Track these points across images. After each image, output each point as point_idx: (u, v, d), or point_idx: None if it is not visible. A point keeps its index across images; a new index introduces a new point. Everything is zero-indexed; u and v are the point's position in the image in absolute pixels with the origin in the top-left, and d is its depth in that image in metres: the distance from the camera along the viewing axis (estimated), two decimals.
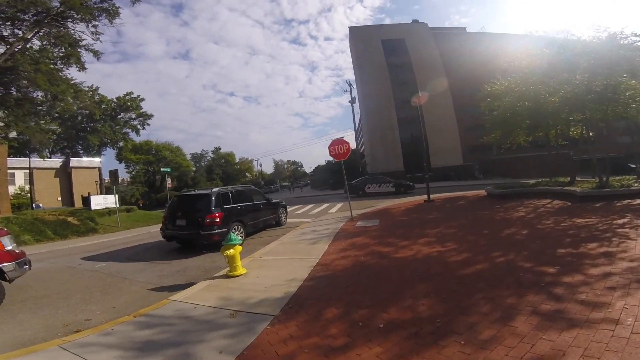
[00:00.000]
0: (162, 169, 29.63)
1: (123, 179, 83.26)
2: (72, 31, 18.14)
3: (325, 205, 18.83)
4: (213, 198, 8.49)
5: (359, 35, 42.81)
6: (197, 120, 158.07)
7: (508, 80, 14.08)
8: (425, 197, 14.21)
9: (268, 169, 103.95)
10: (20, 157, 45.26)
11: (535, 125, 14.05)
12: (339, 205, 18.41)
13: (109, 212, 19.28)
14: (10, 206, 22.33)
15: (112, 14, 18.76)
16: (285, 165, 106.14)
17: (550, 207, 9.06)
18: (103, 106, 51.67)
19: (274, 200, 11.76)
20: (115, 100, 53.03)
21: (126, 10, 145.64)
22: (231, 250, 5.36)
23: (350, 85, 32.51)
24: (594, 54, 10.09)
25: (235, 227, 8.72)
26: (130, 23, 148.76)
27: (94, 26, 18.50)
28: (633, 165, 29.19)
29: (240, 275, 5.36)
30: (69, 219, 16.58)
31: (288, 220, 13.24)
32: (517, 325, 2.81)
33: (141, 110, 55.19)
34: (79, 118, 51.40)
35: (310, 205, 19.51)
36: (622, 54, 9.99)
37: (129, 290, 5.56)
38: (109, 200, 20.75)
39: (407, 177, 34.39)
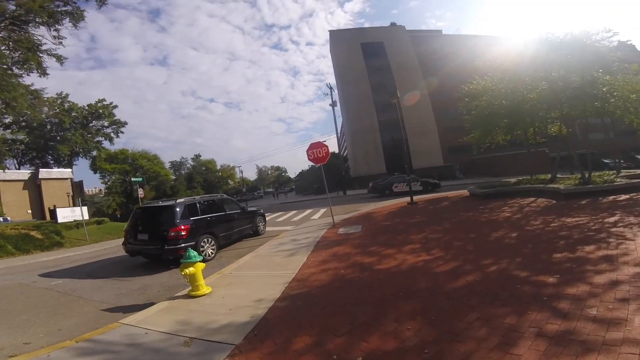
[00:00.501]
0: (132, 179, 28.19)
1: (100, 190, 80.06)
2: (33, 35, 17.13)
3: (308, 211, 18.25)
4: (178, 209, 7.83)
5: (339, 39, 42.79)
6: (177, 128, 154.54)
7: (485, 79, 14.03)
8: (408, 199, 13.88)
9: (251, 175, 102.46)
10: None
11: (513, 124, 14.04)
12: (323, 210, 17.87)
13: (77, 224, 18.09)
14: None
15: (77, 17, 17.87)
16: (269, 171, 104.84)
17: (535, 206, 8.83)
18: (73, 114, 49.36)
19: (250, 209, 11.14)
20: (86, 107, 50.68)
21: (100, 15, 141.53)
22: (191, 269, 4.77)
23: (330, 88, 32.09)
24: (568, 50, 10.04)
25: (205, 240, 8.11)
26: (105, 29, 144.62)
27: (57, 30, 17.58)
28: (607, 161, 30.18)
29: (204, 295, 4.80)
30: (32, 232, 15.47)
31: (268, 228, 12.61)
32: (521, 354, 2.33)
33: (114, 118, 52.94)
34: (48, 127, 48.87)
35: (293, 212, 18.88)
36: (593, 50, 9.98)
37: (81, 311, 5.09)
38: (77, 213, 19.47)
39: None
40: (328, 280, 4.83)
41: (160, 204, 8.55)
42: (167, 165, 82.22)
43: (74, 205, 44.58)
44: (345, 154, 53.40)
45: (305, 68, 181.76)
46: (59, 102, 49.00)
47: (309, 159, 10.32)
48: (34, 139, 47.69)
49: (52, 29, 17.29)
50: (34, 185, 42.14)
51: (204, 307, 4.29)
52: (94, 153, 55.37)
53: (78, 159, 53.48)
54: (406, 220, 9.29)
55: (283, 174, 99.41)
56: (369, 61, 40.18)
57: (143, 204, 12.99)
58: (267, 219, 17.17)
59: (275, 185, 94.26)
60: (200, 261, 4.93)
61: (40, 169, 44.26)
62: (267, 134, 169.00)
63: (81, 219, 18.29)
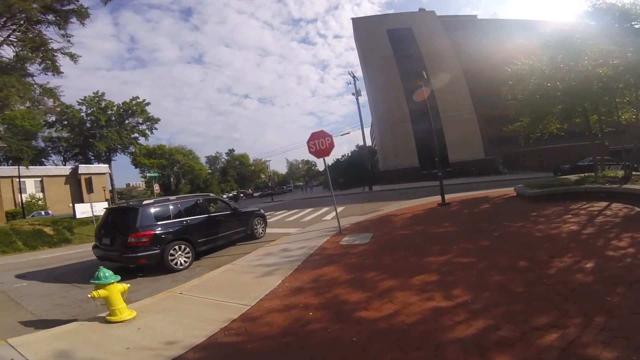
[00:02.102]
0: (148, 175, 28.25)
1: (136, 184, 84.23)
2: (45, 35, 17.51)
3: (324, 210, 16.51)
4: (140, 212, 6.67)
5: (363, 27, 40.19)
6: (214, 124, 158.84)
7: (532, 59, 11.46)
8: (438, 198, 11.65)
9: (282, 169, 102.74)
10: (36, 165, 45.70)
11: (571, 110, 11.33)
12: (341, 208, 16.03)
13: (93, 220, 18.04)
14: (5, 215, 21.61)
15: (82, 15, 18.01)
16: (300, 165, 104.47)
17: (611, 215, 6.38)
18: (109, 112, 51.43)
19: (244, 210, 9.70)
20: (121, 105, 52.57)
21: (137, 17, 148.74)
22: (102, 291, 3.91)
23: (353, 77, 29.81)
24: None
25: (177, 247, 6.88)
26: (142, 29, 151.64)
27: (63, 28, 17.85)
28: None
29: (120, 321, 3.92)
30: (46, 229, 15.40)
31: (273, 230, 11.17)
32: None
33: (148, 115, 54.51)
34: (88, 125, 51.34)
35: (309, 210, 17.24)
36: None
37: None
38: (97, 208, 19.47)
39: (423, 174, 31.65)
40: (280, 330, 3.23)
41: (128, 204, 7.45)
42: (203, 159, 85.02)
43: (112, 199, 46.52)
44: (374, 146, 50.81)
45: (333, 61, 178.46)
46: (95, 100, 51.44)
47: (310, 152, 8.54)
48: (74, 137, 50.46)
49: (60, 28, 17.60)
50: (74, 180, 44.54)
51: (103, 340, 3.51)
52: (132, 149, 57.85)
53: (116, 155, 55.95)
54: (430, 230, 7.23)
55: (312, 167, 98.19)
56: (396, 48, 37.21)
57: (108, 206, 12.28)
58: (279, 217, 15.96)
59: (305, 179, 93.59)
60: (117, 282, 4.00)
61: (79, 165, 46.80)
62: (298, 128, 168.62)
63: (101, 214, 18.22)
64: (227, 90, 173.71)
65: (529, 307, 3.05)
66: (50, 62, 18.09)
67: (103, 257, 6.98)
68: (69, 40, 17.84)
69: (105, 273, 3.93)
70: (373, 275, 4.60)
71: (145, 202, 7.13)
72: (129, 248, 6.40)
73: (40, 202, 40.76)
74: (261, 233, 9.91)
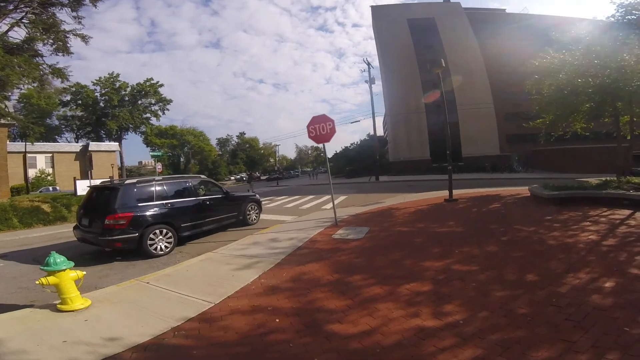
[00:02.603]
0: (151, 154, 28.02)
1: (148, 162, 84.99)
2: (57, 18, 17.76)
3: (325, 198, 15.99)
4: (120, 192, 6.29)
5: (383, 15, 38.59)
6: (229, 107, 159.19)
7: (563, 52, 10.55)
8: (445, 193, 10.98)
9: (292, 154, 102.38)
10: (49, 142, 46.51)
11: (601, 108, 10.47)
12: (343, 198, 15.53)
13: None
14: (10, 190, 21.86)
15: None
16: (309, 151, 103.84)
17: (635, 225, 5.66)
18: (122, 92, 51.56)
19: (237, 194, 9.25)
20: (135, 86, 52.60)
21: (159, 1, 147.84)
22: (52, 278, 3.57)
23: (368, 64, 28.64)
24: None
25: (158, 231, 6.48)
26: (163, 14, 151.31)
27: (75, 10, 18.11)
28: None
29: (71, 310, 3.58)
30: (44, 206, 15.24)
31: (269, 216, 10.77)
32: None
33: (161, 95, 54.42)
34: (101, 104, 51.62)
35: (310, 197, 16.75)
36: None
37: None
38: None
39: (434, 167, 30.66)
40: (236, 338, 2.81)
41: (110, 183, 7.08)
42: (214, 141, 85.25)
43: (120, 176, 46.97)
44: (386, 136, 49.68)
45: (351, 50, 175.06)
46: (110, 81, 51.52)
47: (310, 137, 7.94)
48: (88, 115, 50.97)
49: (73, 10, 17.75)
50: (84, 157, 45.08)
51: (44, 330, 3.17)
52: (143, 129, 58.22)
53: (128, 134, 56.42)
54: (432, 228, 6.64)
55: (321, 154, 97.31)
56: (416, 38, 35.68)
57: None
58: (278, 203, 15.45)
59: (313, 165, 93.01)
60: (70, 268, 3.70)
61: (90, 142, 47.29)
62: (310, 114, 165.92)
63: None
64: (243, 75, 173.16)
65: (531, 335, 2.52)
66: (61, 43, 18.31)
67: (82, 238, 6.68)
68: (80, 22, 18.03)
69: (57, 259, 3.57)
70: (359, 279, 4.08)
71: (127, 182, 6.75)
72: (105, 230, 6.02)
73: (49, 178, 41.47)
74: (254, 219, 9.49)
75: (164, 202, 6.89)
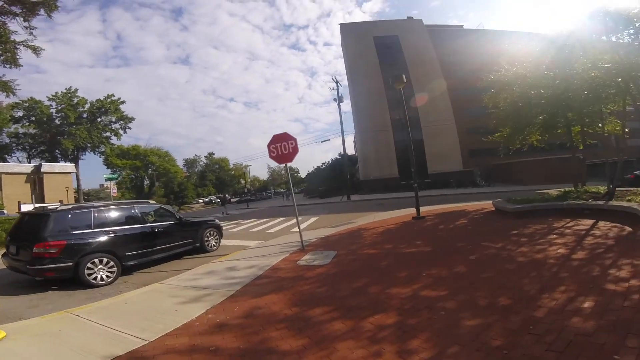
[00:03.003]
0: (104, 177, 26.38)
1: (106, 185, 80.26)
2: (8, 27, 16.89)
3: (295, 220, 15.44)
4: (51, 219, 5.70)
5: (350, 32, 39.94)
6: (198, 126, 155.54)
7: (515, 65, 11.05)
8: (413, 211, 10.83)
9: (264, 174, 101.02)
10: None
11: (553, 120, 10.97)
12: (314, 219, 15.07)
13: None
14: None
15: (51, 7, 17.55)
16: (282, 172, 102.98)
17: (601, 235, 5.66)
18: (80, 109, 48.67)
19: (194, 220, 8.54)
20: (95, 102, 49.92)
21: (126, 14, 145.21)
22: None
23: (337, 82, 29.20)
24: None
25: (98, 260, 5.90)
26: (130, 27, 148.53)
27: (28, 20, 17.32)
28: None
29: None
30: None
31: (230, 242, 10.02)
32: None
33: (122, 113, 51.98)
34: (57, 122, 48.39)
35: (280, 219, 16.13)
36: None
37: None
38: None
39: (402, 185, 31.10)
40: None
41: (40, 210, 6.33)
42: (181, 162, 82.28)
43: (76, 200, 43.52)
44: (357, 154, 50.34)
45: (322, 68, 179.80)
46: (67, 97, 48.61)
47: (271, 157, 7.50)
48: (42, 133, 47.43)
49: (25, 20, 16.97)
50: (36, 179, 41.58)
51: None
52: (103, 148, 54.97)
53: (85, 154, 53.03)
54: (400, 249, 6.31)
55: (296, 174, 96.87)
56: (382, 55, 37.05)
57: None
58: (245, 226, 14.58)
59: (287, 185, 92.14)
60: None
61: (43, 163, 43.79)
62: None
63: None
64: (213, 92, 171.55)
65: None
66: (10, 55, 17.21)
67: (11, 267, 6.02)
68: (31, 33, 17.15)
69: None
70: (320, 313, 3.59)
71: (60, 208, 6.05)
72: (34, 259, 5.51)
73: None
74: (214, 246, 8.77)
75: (105, 229, 6.28)
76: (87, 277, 5.77)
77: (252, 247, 8.73)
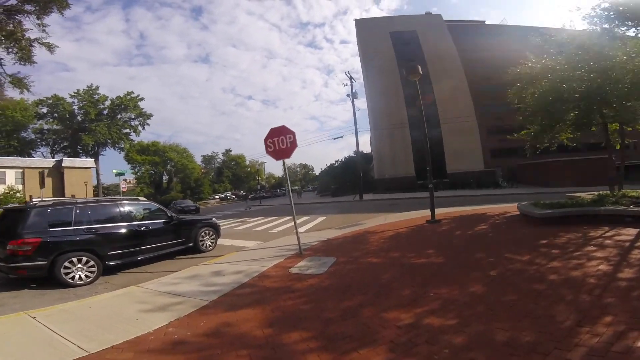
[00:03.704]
0: (114, 171, 26.52)
1: (128, 180, 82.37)
2: (23, 25, 17.37)
3: (304, 218, 14.83)
4: (28, 215, 5.47)
5: (366, 28, 38.86)
6: (217, 123, 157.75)
7: (544, 57, 10.04)
8: (429, 213, 9.93)
9: (279, 171, 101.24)
10: (19, 156, 44.45)
11: (587, 117, 9.88)
12: (321, 219, 14.37)
13: None
14: None
15: (62, 5, 17.41)
16: (298, 169, 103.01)
17: None
18: (100, 106, 49.87)
19: (186, 219, 8.09)
20: (115, 99, 51.08)
21: (148, 13, 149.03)
22: None
23: (350, 78, 28.22)
24: None
25: (76, 259, 5.60)
26: (152, 27, 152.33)
27: (40, 18, 17.34)
28: None
29: None
30: None
31: (229, 242, 9.55)
32: None
33: (141, 110, 52.90)
34: (79, 118, 49.78)
35: (286, 218, 15.50)
36: None
37: None
38: None
39: (419, 185, 29.90)
40: None
41: (17, 205, 6.07)
42: (199, 158, 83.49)
43: (95, 194, 44.65)
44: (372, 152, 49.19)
45: (339, 66, 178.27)
46: (89, 94, 49.91)
47: (267, 152, 6.85)
48: (64, 129, 49.01)
49: (38, 18, 17.42)
50: (57, 173, 42.83)
51: None
52: (123, 144, 56.34)
53: (105, 150, 54.43)
54: (408, 258, 5.51)
55: (310, 171, 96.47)
56: (399, 51, 35.76)
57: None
58: (250, 225, 14.01)
59: (301, 183, 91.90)
60: None
61: (64, 158, 45.11)
62: (300, 132, 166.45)
63: None
64: (232, 90, 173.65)
65: None
66: (25, 52, 17.61)
67: None
68: (44, 30, 17.49)
69: None
70: (296, 339, 2.90)
71: (38, 204, 5.64)
72: (8, 256, 5.30)
73: (19, 195, 39.05)
74: (209, 246, 8.26)
75: (87, 227, 5.93)
76: (64, 277, 5.49)
77: (249, 248, 8.16)
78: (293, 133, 6.51)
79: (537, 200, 8.84)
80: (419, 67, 10.39)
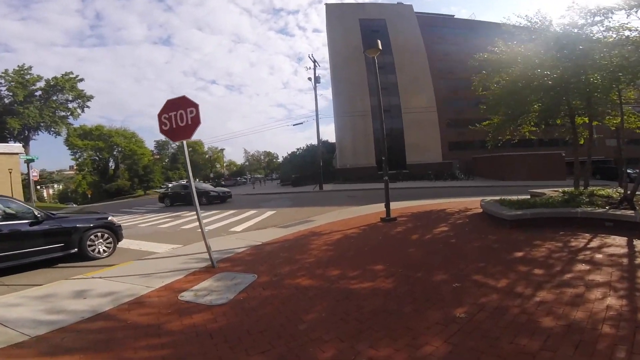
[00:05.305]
0: (22, 157, 22.97)
1: (69, 168, 74.31)
2: None
3: (250, 212, 13.05)
4: None
5: (336, 13, 37.27)
6: None
7: (514, 43, 9.26)
8: (382, 208, 8.66)
9: (241, 159, 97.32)
10: None
11: (555, 108, 9.26)
12: (270, 213, 12.70)
13: None
14: None
15: None
16: (262, 157, 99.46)
17: None
18: (32, 87, 43.49)
19: (65, 220, 6.21)
20: (50, 80, 44.79)
21: None
22: None
23: (314, 61, 26.44)
24: None
25: None
26: (112, 6, 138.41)
27: None
28: (630, 171, 24.94)
29: None
30: None
31: (140, 244, 7.66)
32: None
33: (80, 91, 46.94)
34: (5, 100, 43.04)
35: (230, 212, 13.62)
36: None
37: None
38: None
39: (380, 175, 29.19)
40: None
41: None
42: (152, 144, 77.34)
43: (27, 182, 39.27)
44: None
45: (310, 55, 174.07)
46: (20, 74, 43.24)
47: (162, 131, 5.02)
48: None
49: None
50: None
51: None
52: (58, 129, 49.96)
53: (38, 134, 48.08)
54: (348, 281, 4.00)
55: (274, 159, 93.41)
56: (367, 39, 34.42)
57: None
58: (183, 220, 11.53)
59: (265, 171, 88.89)
60: None
61: None
62: (266, 119, 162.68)
63: None
64: (194, 74, 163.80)
65: None
66: None
67: None
68: None
69: None
70: None
71: None
72: None
73: None
74: (103, 252, 6.39)
75: None
76: None
77: (156, 255, 6.34)
78: (196, 106, 4.70)
79: (501, 198, 7.88)
80: (379, 41, 8.99)
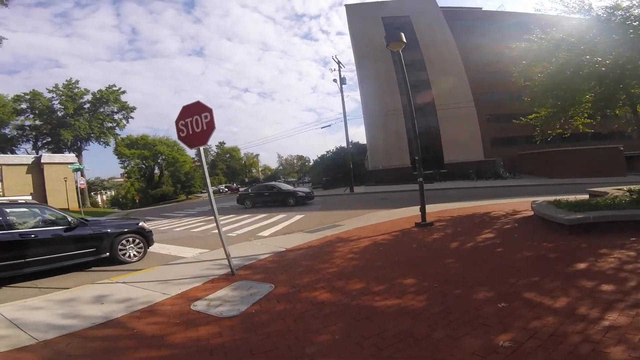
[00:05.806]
0: (70, 167, 24.61)
1: (120, 176, 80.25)
2: None
3: (279, 216, 12.93)
4: None
5: (357, 14, 36.76)
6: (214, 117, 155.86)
7: (554, 30, 8.44)
8: (417, 212, 8.07)
9: (275, 163, 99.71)
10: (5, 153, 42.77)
11: (612, 95, 8.18)
12: (299, 217, 12.50)
13: None
14: None
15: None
16: (295, 160, 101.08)
17: None
18: (80, 100, 47.67)
19: (96, 227, 6.53)
20: (96, 93, 48.93)
21: (140, 8, 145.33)
22: None
23: (338, 62, 26.02)
24: None
25: None
26: (144, 21, 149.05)
27: None
28: None
29: None
30: None
31: (170, 249, 7.77)
32: None
33: (123, 103, 50.70)
34: (59, 113, 47.60)
35: (262, 216, 13.62)
36: None
37: None
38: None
39: (415, 176, 28.05)
40: None
41: None
42: (193, 152, 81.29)
43: (77, 190, 42.86)
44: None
45: (336, 58, 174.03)
46: (68, 88, 47.65)
47: (179, 138, 4.94)
48: (44, 124, 47.07)
49: None
50: (37, 170, 40.94)
51: None
52: (109, 139, 54.40)
53: (89, 145, 52.59)
54: (372, 297, 3.54)
55: (306, 163, 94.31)
56: (391, 37, 33.61)
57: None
58: (213, 225, 11.37)
59: (298, 174, 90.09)
60: None
61: (43, 154, 43.14)
62: (297, 124, 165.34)
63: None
64: (227, 83, 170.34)
65: None
66: None
67: None
68: None
69: None
70: None
71: None
72: None
73: None
74: (133, 256, 6.59)
75: None
76: None
77: (183, 260, 6.32)
78: (210, 110, 4.53)
79: (555, 199, 6.96)
80: (402, 34, 8.48)
